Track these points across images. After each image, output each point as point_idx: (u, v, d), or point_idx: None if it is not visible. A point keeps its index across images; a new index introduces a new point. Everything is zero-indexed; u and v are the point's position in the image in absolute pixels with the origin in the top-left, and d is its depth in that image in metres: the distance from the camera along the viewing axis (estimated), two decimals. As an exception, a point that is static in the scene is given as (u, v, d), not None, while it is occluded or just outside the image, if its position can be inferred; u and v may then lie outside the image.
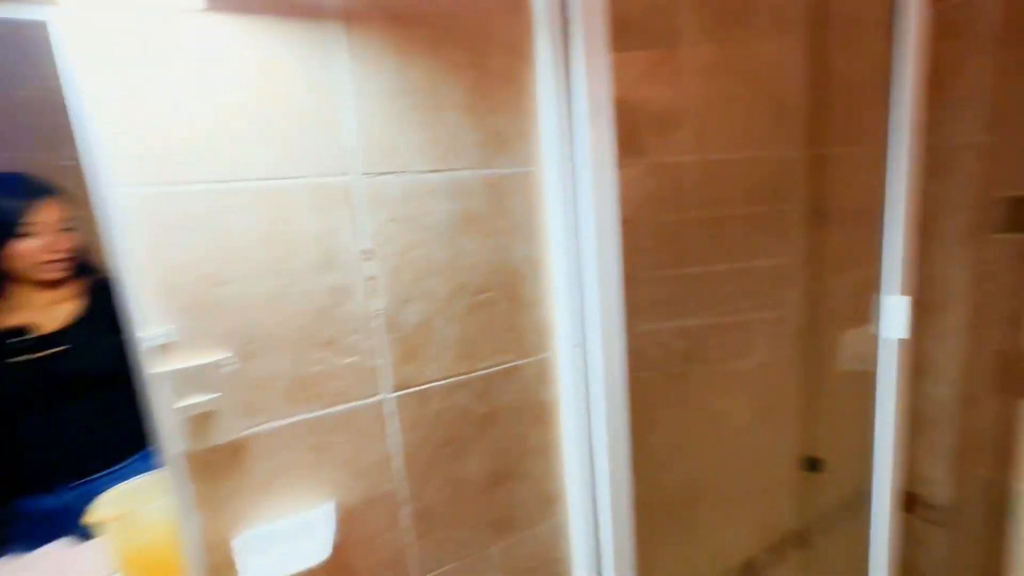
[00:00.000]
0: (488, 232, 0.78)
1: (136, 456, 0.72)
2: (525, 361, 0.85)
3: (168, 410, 0.61)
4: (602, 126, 0.76)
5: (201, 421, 0.63)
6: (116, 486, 0.70)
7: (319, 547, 0.65)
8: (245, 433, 0.66)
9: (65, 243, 0.69)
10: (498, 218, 0.79)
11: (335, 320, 0.69)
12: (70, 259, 0.69)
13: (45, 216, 0.67)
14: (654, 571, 1.04)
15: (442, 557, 0.82)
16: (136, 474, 0.71)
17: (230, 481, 0.66)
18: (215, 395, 0.64)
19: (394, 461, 0.76)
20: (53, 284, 0.70)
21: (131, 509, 0.67)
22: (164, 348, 0.61)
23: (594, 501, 0.90)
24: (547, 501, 0.91)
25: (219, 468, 0.65)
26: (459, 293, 0.77)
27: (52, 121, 0.63)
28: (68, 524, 0.71)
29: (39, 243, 0.67)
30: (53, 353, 0.70)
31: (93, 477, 0.72)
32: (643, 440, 0.91)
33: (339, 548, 0.70)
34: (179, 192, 0.60)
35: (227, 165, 0.62)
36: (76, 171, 0.67)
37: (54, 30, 0.53)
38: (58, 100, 0.55)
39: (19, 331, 0.69)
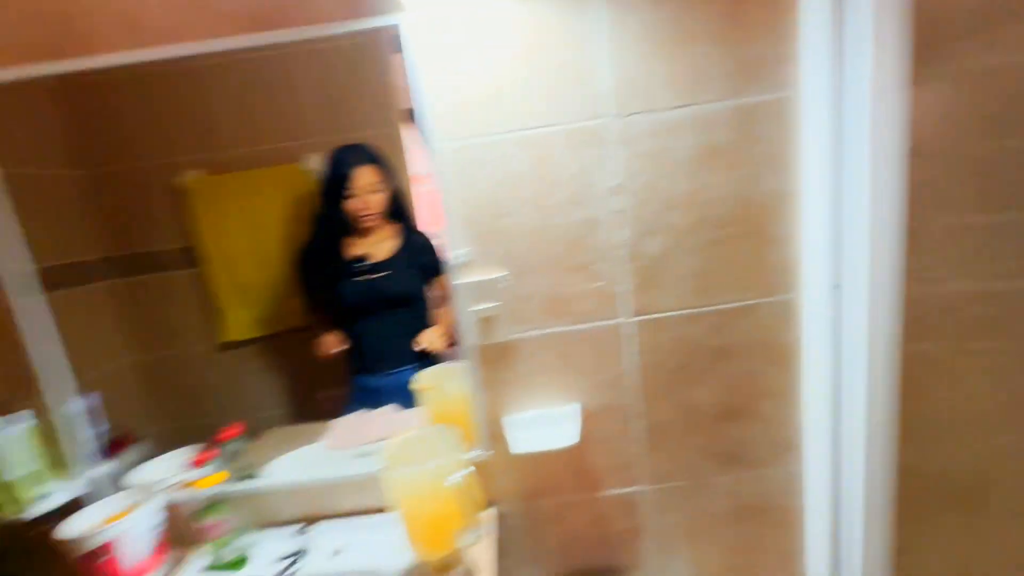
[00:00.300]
0: (733, 165, 0.77)
1: (429, 356, 1.00)
2: (765, 300, 0.83)
3: (467, 312, 0.81)
4: (889, 35, 0.66)
5: (487, 323, 0.82)
6: (431, 367, 0.97)
7: (569, 435, 0.79)
8: (514, 336, 0.83)
9: (374, 203, 0.97)
10: (745, 150, 0.77)
11: (585, 249, 0.80)
12: (378, 213, 0.96)
13: (363, 181, 0.94)
14: (920, 562, 0.91)
15: (670, 473, 0.89)
16: (430, 366, 0.97)
17: (504, 372, 0.85)
18: (496, 304, 0.82)
19: (629, 378, 0.85)
20: (370, 230, 0.98)
21: (440, 384, 0.92)
22: (464, 266, 0.81)
23: (837, 461, 0.84)
24: (781, 446, 0.89)
25: (497, 361, 0.84)
26: (699, 227, 0.79)
27: (394, 100, 0.87)
28: (389, 397, 1.02)
29: (358, 202, 0.95)
30: (380, 276, 1.00)
31: (402, 368, 1.02)
32: (913, 409, 0.79)
33: (581, 443, 0.83)
34: (474, 144, 0.77)
35: (505, 119, 0.76)
36: (396, 139, 0.92)
37: (403, 30, 0.73)
38: (401, 82, 0.77)
39: (361, 259, 1.01)
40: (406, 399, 0.98)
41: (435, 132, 0.76)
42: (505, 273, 0.82)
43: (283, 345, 1.02)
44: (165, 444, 0.96)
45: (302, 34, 0.74)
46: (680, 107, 0.76)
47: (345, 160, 0.94)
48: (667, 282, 0.81)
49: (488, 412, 0.86)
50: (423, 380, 0.94)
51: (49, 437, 0.85)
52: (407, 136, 0.91)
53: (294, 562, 0.81)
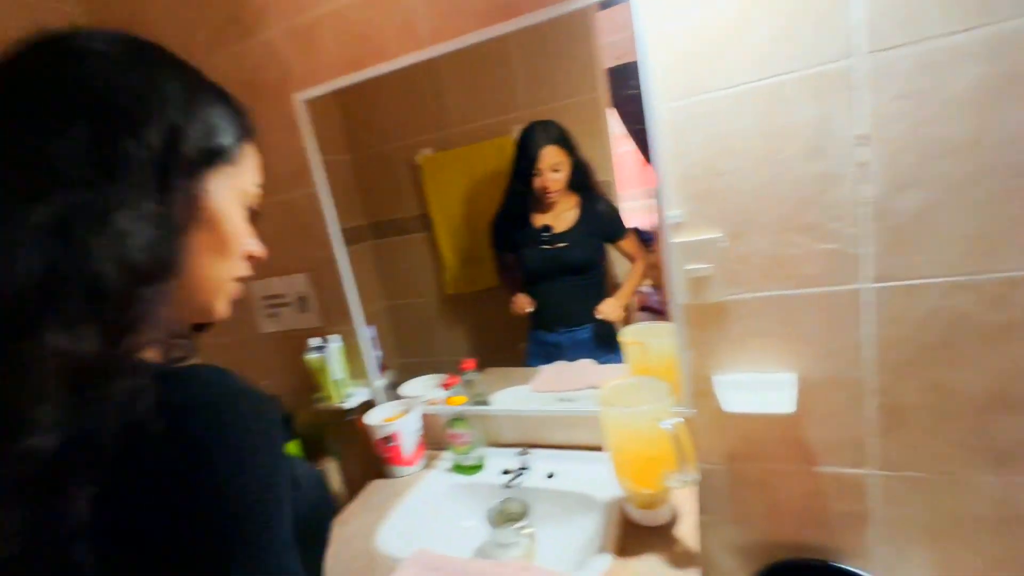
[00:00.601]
0: (1044, 96, 0.61)
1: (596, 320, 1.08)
2: (1081, 268, 0.65)
3: (678, 271, 0.83)
4: None
5: (697, 283, 0.83)
6: (636, 324, 1.03)
7: (785, 401, 0.76)
8: (728, 298, 0.82)
9: (557, 180, 1.05)
10: (1066, 75, 0.60)
11: (818, 207, 0.74)
12: (560, 189, 1.04)
13: (547, 161, 1.02)
14: None
15: (908, 462, 0.79)
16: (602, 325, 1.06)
17: (714, 332, 0.85)
18: (708, 265, 0.82)
19: (865, 351, 0.77)
20: (553, 203, 1.07)
21: (645, 339, 0.97)
22: (677, 226, 0.82)
23: None
24: (1088, 454, 0.70)
25: (706, 321, 0.85)
26: (981, 177, 0.66)
27: (598, 61, 0.91)
28: (563, 352, 1.12)
29: (542, 180, 1.03)
30: (561, 247, 1.09)
31: (577, 327, 1.11)
32: None
33: (798, 413, 0.79)
34: (696, 100, 0.77)
35: (731, 71, 0.73)
36: (599, 103, 0.96)
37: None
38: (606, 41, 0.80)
39: (545, 229, 1.10)
40: (579, 354, 1.10)
41: (655, 90, 0.78)
42: (720, 234, 0.81)
43: (492, 299, 1.18)
44: (405, 375, 1.23)
45: (546, 14, 0.82)
46: (964, 31, 0.62)
47: (532, 140, 1.03)
48: (926, 244, 0.70)
49: (694, 370, 0.88)
50: (629, 335, 1.00)
51: (352, 354, 1.17)
52: (607, 98, 0.94)
53: (517, 476, 0.97)
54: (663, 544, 0.74)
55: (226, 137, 0.41)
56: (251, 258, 0.46)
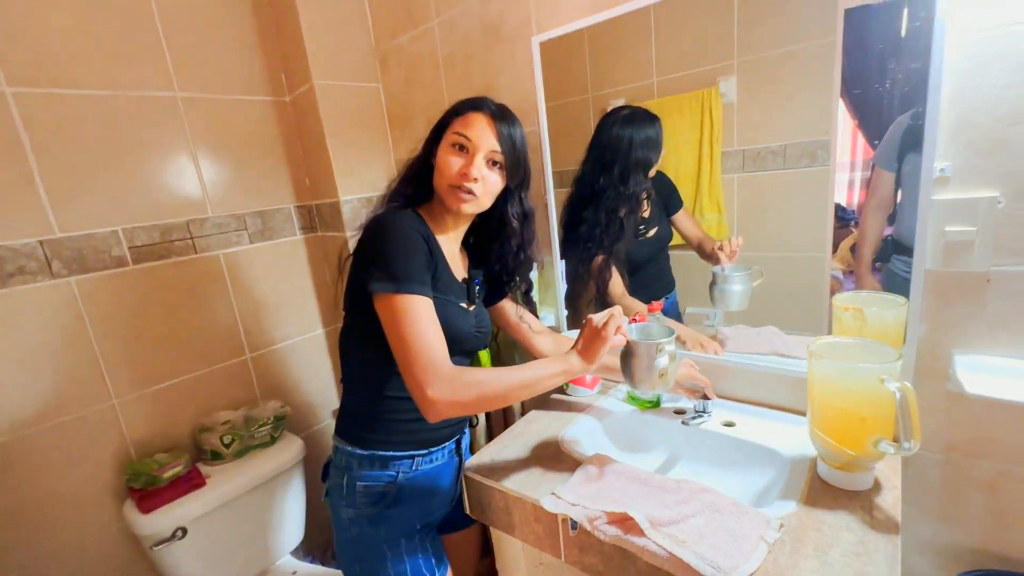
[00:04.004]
0: None
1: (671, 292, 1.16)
2: None
3: (935, 233, 0.75)
4: None
5: (955, 248, 0.74)
6: (848, 291, 0.95)
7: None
8: (995, 269, 0.72)
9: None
10: None
11: None
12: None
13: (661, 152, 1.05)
14: None
15: None
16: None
17: (964, 306, 0.75)
18: (972, 228, 0.72)
19: None
20: None
21: (862, 306, 0.89)
22: (938, 180, 0.74)
23: None
24: None
25: (957, 292, 0.75)
26: None
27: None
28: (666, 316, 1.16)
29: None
30: (653, 234, 1.12)
31: (670, 293, 1.16)
32: None
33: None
34: (1001, 34, 0.66)
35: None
36: (833, 48, 0.84)
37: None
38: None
39: (643, 220, 1.11)
40: (673, 314, 1.17)
41: (946, 22, 0.68)
42: (995, 194, 0.70)
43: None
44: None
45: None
46: None
47: (656, 134, 1.06)
48: None
49: (926, 344, 0.80)
50: (843, 300, 0.93)
51: (545, 283, 1.30)
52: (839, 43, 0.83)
53: (695, 417, 1.00)
54: (860, 507, 0.72)
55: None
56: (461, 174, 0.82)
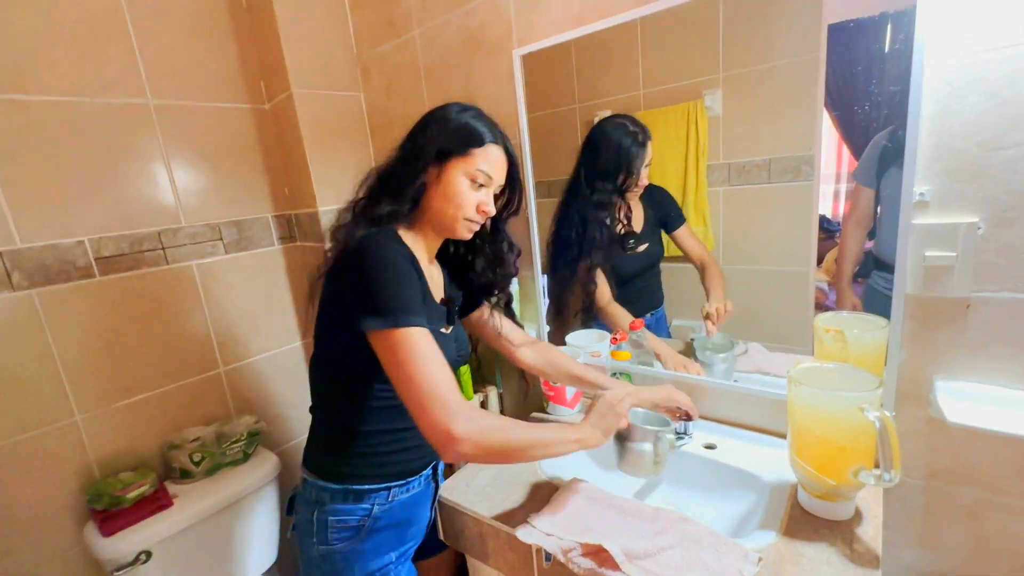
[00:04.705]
0: None
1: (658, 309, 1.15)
2: None
3: (914, 257, 0.73)
4: None
5: (935, 273, 0.73)
6: (828, 313, 0.94)
7: (1035, 424, 0.65)
8: (975, 295, 0.71)
9: (646, 179, 1.07)
10: None
11: None
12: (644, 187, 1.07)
13: (650, 156, 1.04)
14: None
15: None
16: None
17: (945, 331, 0.74)
18: (951, 253, 0.71)
19: None
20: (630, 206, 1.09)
21: (842, 328, 0.88)
22: (918, 205, 0.72)
23: None
24: None
25: (938, 317, 0.74)
26: None
27: (819, 16, 0.79)
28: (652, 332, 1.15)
29: (635, 181, 1.06)
30: (643, 248, 1.12)
31: (656, 308, 1.15)
32: None
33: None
34: (978, 60, 0.65)
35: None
36: (816, 65, 0.84)
37: None
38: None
39: (632, 234, 1.10)
40: (660, 330, 1.15)
41: (928, 43, 0.67)
42: (975, 219, 0.69)
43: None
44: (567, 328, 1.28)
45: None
46: None
47: (638, 135, 1.04)
48: None
49: (907, 370, 0.78)
50: (824, 322, 0.92)
51: (526, 299, 1.27)
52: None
53: (676, 440, 0.98)
54: (839, 538, 0.70)
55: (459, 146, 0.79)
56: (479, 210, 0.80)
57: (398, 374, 0.68)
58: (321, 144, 1.41)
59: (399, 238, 0.79)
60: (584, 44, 1.04)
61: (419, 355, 0.67)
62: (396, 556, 0.86)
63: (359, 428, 0.81)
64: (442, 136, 0.79)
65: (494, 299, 0.99)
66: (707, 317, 1.04)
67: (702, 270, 1.08)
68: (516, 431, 0.71)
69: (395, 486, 0.84)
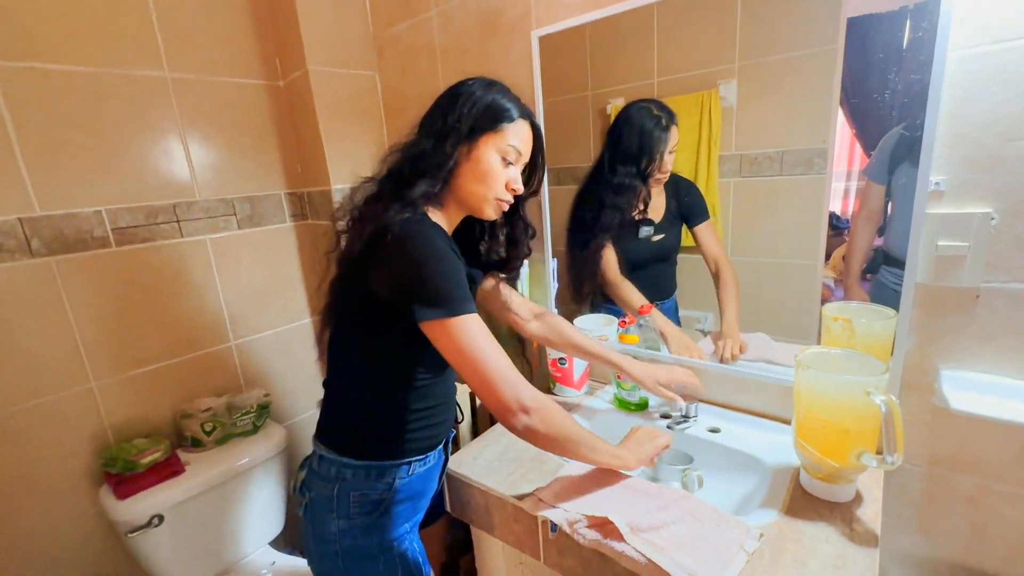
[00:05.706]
0: None
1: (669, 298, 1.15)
2: None
3: (927, 246, 0.74)
4: None
5: (946, 263, 0.74)
6: (836, 302, 0.95)
7: (1038, 413, 0.66)
8: (985, 285, 0.72)
9: (670, 165, 1.04)
10: None
11: None
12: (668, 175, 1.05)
13: (673, 142, 1.02)
14: None
15: None
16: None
17: (953, 321, 0.75)
18: (964, 243, 0.72)
19: None
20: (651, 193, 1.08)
21: (850, 317, 0.89)
22: (933, 194, 0.73)
23: None
24: None
25: (946, 306, 0.75)
26: None
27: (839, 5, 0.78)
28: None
29: (659, 166, 1.04)
30: (659, 239, 1.11)
31: (665, 299, 1.15)
32: None
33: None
34: (1001, 49, 0.65)
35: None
36: (834, 56, 0.83)
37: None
38: None
39: (648, 222, 1.10)
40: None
41: (948, 35, 0.67)
42: (989, 210, 0.69)
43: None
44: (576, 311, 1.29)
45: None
46: None
47: (661, 119, 1.02)
48: None
49: (912, 358, 0.79)
50: (833, 310, 0.93)
51: (536, 281, 1.29)
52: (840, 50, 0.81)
53: (680, 423, 1.00)
54: (840, 519, 0.72)
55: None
56: (507, 187, 0.80)
57: (461, 359, 0.71)
58: (335, 122, 1.41)
59: (434, 222, 0.77)
60: (599, 30, 1.03)
61: (480, 340, 0.70)
62: (409, 526, 0.88)
63: (395, 408, 0.82)
64: (472, 112, 0.77)
65: (502, 275, 0.99)
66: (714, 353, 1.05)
67: (716, 276, 1.07)
68: (576, 424, 0.75)
69: (415, 460, 0.85)
